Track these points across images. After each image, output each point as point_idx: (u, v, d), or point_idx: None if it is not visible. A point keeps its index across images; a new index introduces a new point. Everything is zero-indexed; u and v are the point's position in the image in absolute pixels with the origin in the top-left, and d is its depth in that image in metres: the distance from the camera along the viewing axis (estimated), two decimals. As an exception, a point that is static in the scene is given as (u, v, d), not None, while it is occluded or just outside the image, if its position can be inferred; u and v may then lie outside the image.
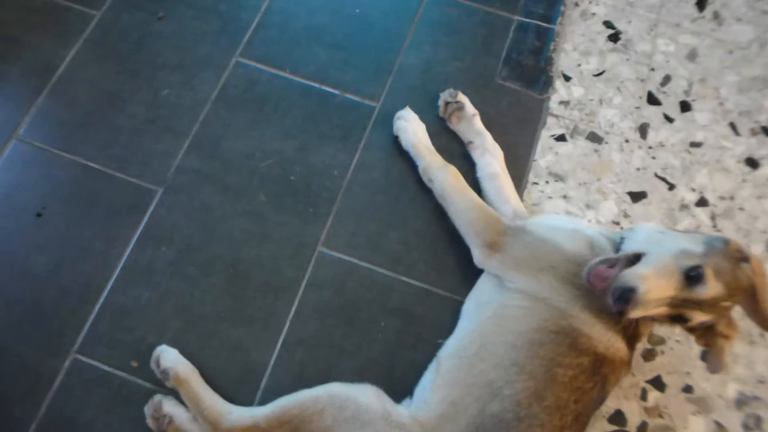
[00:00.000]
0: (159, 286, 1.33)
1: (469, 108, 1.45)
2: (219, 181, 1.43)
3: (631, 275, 0.98)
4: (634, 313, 0.97)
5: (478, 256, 1.22)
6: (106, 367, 1.27)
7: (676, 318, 1.00)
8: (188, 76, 1.53)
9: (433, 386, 1.11)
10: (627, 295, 0.96)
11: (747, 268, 0.99)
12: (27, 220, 1.39)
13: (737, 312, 1.06)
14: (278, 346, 1.29)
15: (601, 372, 1.06)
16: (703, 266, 0.97)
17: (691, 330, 1.07)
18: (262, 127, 1.48)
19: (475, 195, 1.30)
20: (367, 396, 1.09)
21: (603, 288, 1.00)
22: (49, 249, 1.36)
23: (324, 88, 1.53)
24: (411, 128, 1.42)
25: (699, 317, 0.98)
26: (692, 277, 0.97)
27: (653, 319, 1.08)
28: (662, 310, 0.99)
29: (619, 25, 1.64)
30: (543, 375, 1.04)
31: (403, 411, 1.08)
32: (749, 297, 0.99)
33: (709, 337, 1.05)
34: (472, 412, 1.03)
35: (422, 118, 1.46)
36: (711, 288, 0.97)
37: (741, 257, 1.00)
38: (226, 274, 1.34)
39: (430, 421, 1.05)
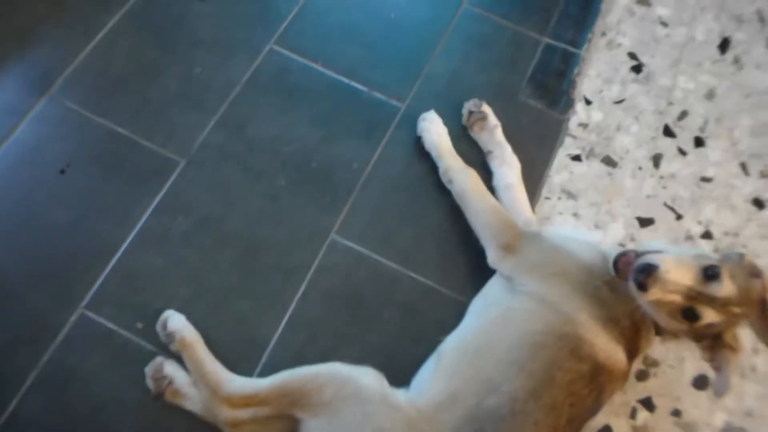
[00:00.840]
0: (172, 254, 1.36)
1: (492, 119, 1.49)
2: (241, 161, 1.46)
3: (655, 256, 1.02)
4: (653, 290, 0.99)
5: (493, 257, 1.25)
6: (111, 325, 1.29)
7: (688, 312, 1.01)
8: (222, 57, 1.58)
9: (433, 377, 1.13)
10: (649, 270, 0.99)
11: (758, 282, 1.02)
12: (50, 175, 1.42)
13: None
14: (282, 324, 1.31)
15: (598, 380, 1.09)
16: (720, 266, 1.00)
17: (698, 339, 1.09)
18: (288, 114, 1.52)
19: (493, 198, 1.33)
20: (368, 377, 1.11)
21: (627, 272, 1.04)
22: (68, 205, 1.39)
23: (352, 84, 1.58)
24: (435, 130, 1.46)
25: (710, 316, 1.00)
26: (709, 274, 1.00)
27: (658, 330, 1.10)
28: (676, 298, 1.00)
29: (643, 58, 1.70)
30: (542, 376, 1.06)
31: (400, 395, 1.11)
32: (759, 311, 1.01)
33: (715, 349, 1.07)
34: (468, 404, 1.05)
35: (445, 124, 1.50)
36: (726, 287, 0.99)
37: (754, 272, 1.03)
38: (239, 250, 1.37)
39: (427, 408, 1.07)
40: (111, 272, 1.33)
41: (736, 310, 1.01)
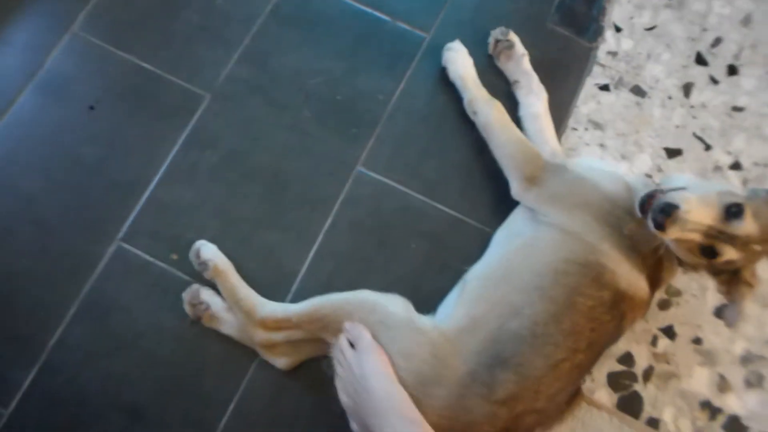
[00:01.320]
0: (201, 187, 1.39)
1: (519, 47, 1.46)
2: (266, 94, 1.46)
3: (677, 195, 1.02)
4: (672, 230, 0.99)
5: (516, 188, 1.26)
6: (147, 257, 1.33)
7: (707, 250, 1.02)
8: (244, -13, 1.55)
9: (457, 303, 1.17)
10: (669, 210, 0.99)
11: None
12: (80, 111, 1.43)
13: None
14: (311, 255, 1.35)
15: (620, 307, 1.11)
16: (744, 205, 1.00)
17: (716, 273, 1.10)
18: (312, 46, 1.51)
19: (517, 130, 1.32)
20: (395, 304, 1.14)
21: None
22: (99, 141, 1.41)
23: (377, 14, 1.54)
24: (460, 60, 1.43)
25: (729, 253, 1.01)
26: (732, 212, 0.99)
27: (680, 262, 1.11)
28: (696, 236, 1.00)
29: (677, -18, 1.63)
30: (564, 301, 1.08)
31: (426, 319, 1.14)
32: None
33: (732, 283, 1.08)
34: (491, 327, 1.09)
35: (471, 54, 1.47)
36: (748, 225, 0.99)
37: None
38: (266, 183, 1.39)
39: (451, 331, 1.11)
40: (144, 206, 1.37)
41: (757, 247, 1.01)
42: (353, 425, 1.09)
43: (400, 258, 1.35)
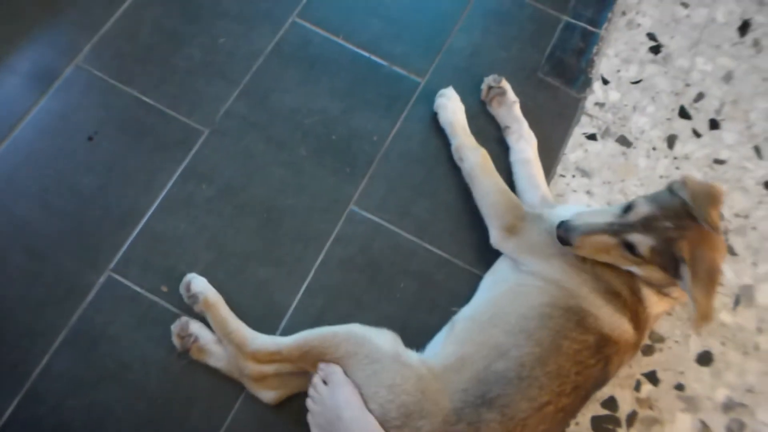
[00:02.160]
0: (196, 219, 1.40)
1: (511, 95, 1.51)
2: (264, 130, 1.49)
3: (573, 215, 1.16)
4: (574, 239, 1.13)
5: (496, 238, 1.30)
6: (137, 288, 1.34)
7: (626, 246, 1.09)
8: (246, 28, 1.60)
9: (446, 342, 1.19)
10: (563, 224, 1.15)
11: (680, 187, 1.09)
12: (79, 141, 1.46)
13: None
14: (301, 290, 1.36)
15: (604, 351, 1.13)
16: (635, 200, 1.12)
17: (671, 270, 1.09)
18: (310, 86, 1.55)
19: (500, 179, 1.36)
20: (383, 338, 1.17)
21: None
22: (96, 171, 1.43)
23: (374, 58, 1.60)
24: (451, 107, 1.48)
25: (640, 239, 1.07)
26: (626, 208, 1.12)
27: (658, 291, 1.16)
28: (606, 239, 1.11)
29: (662, 39, 1.70)
30: (549, 344, 1.10)
31: (413, 354, 1.17)
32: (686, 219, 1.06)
33: (677, 269, 1.09)
34: (478, 367, 1.10)
35: (464, 99, 1.53)
36: (639, 210, 1.09)
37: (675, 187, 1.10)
38: (260, 218, 1.41)
39: (438, 368, 1.12)
40: (137, 237, 1.38)
41: (666, 224, 1.06)
42: None
43: (389, 296, 1.37)
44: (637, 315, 1.15)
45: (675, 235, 1.06)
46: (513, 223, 1.28)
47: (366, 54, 1.60)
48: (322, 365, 1.15)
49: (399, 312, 1.35)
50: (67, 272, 1.34)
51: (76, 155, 1.44)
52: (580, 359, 1.11)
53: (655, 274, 1.12)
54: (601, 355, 1.13)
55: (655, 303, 1.17)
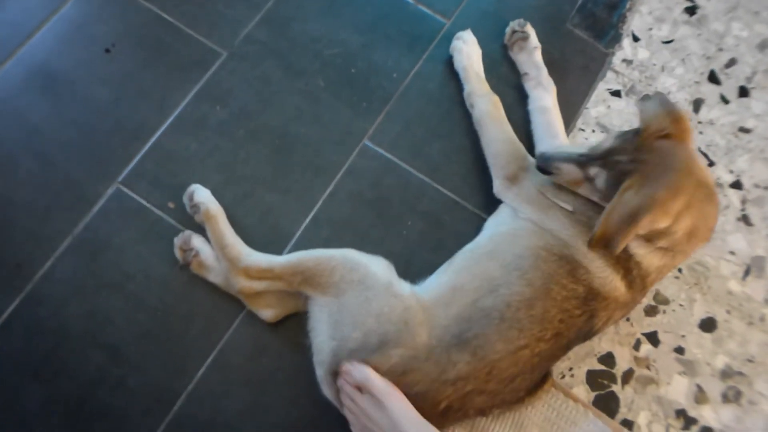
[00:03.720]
0: (207, 140, 1.39)
1: (533, 40, 1.47)
2: (282, 58, 1.47)
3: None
4: (552, 168, 1.14)
5: (498, 186, 1.28)
6: (144, 202, 1.34)
7: (589, 179, 1.11)
8: (272, -47, 1.56)
9: (441, 273, 1.19)
10: (543, 155, 1.17)
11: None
12: (95, 53, 1.44)
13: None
14: (307, 219, 1.35)
15: (591, 305, 1.11)
16: (610, 133, 1.12)
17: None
18: (333, 17, 1.52)
19: (509, 128, 1.34)
20: (377, 266, 1.16)
21: None
22: (111, 84, 1.42)
23: (400, -6, 1.56)
24: (466, 51, 1.45)
25: (597, 173, 1.08)
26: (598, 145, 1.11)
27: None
28: (574, 169, 1.11)
29: (699, 1, 1.65)
30: (539, 286, 1.09)
31: (405, 285, 1.16)
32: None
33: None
34: (465, 301, 1.10)
35: (486, 45, 1.49)
36: (606, 142, 1.09)
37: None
38: (272, 144, 1.40)
39: (427, 300, 1.12)
40: (148, 152, 1.37)
41: (621, 157, 1.05)
42: None
43: (395, 232, 1.36)
44: (629, 272, 1.12)
45: (628, 168, 1.03)
46: (515, 173, 1.26)
47: (392, -11, 1.56)
48: (347, 367, 1.07)
49: (404, 249, 1.34)
50: (76, 181, 1.34)
51: (93, 66, 1.43)
52: (567, 307, 1.10)
53: (596, 194, 1.12)
54: (588, 308, 1.11)
55: (645, 255, 1.12)
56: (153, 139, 1.38)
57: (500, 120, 1.35)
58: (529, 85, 1.45)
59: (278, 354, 1.26)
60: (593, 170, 1.08)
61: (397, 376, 1.05)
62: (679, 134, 1.04)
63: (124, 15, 1.48)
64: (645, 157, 1.02)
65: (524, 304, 1.09)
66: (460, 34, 1.48)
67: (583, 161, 1.10)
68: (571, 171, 1.12)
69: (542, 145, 1.37)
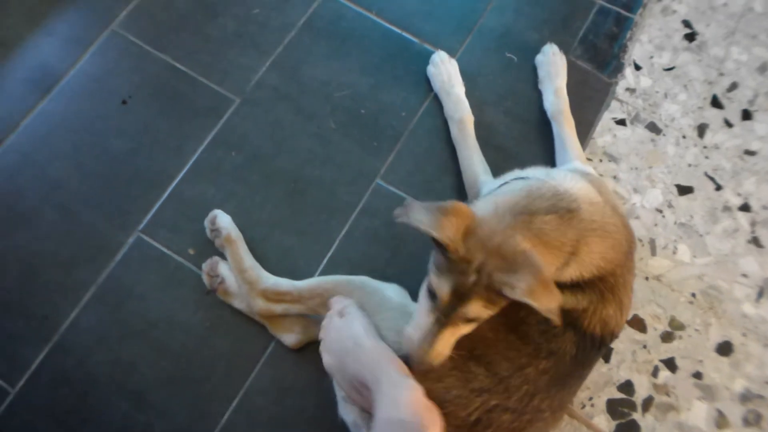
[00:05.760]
0: (224, 186, 1.43)
1: None
2: (293, 102, 1.51)
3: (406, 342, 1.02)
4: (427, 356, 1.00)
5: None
6: (165, 250, 1.37)
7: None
8: (280, 0, 1.61)
9: None
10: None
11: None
12: (113, 105, 1.49)
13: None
14: (325, 260, 1.38)
15: (566, 318, 1.07)
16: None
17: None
18: (341, 60, 1.56)
19: (471, 152, 1.41)
20: (393, 291, 1.20)
21: None
22: (129, 134, 1.46)
23: (405, 34, 1.60)
24: (437, 73, 1.52)
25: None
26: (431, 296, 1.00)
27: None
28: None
29: (697, 27, 1.68)
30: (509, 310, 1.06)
31: None
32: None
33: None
34: None
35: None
36: (442, 289, 0.97)
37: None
38: (287, 187, 1.43)
39: None
40: (167, 200, 1.41)
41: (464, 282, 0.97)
42: (340, 387, 1.11)
43: (411, 270, 1.37)
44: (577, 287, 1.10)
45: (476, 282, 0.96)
46: (474, 196, 1.34)
47: (397, 30, 1.60)
48: (335, 299, 1.16)
49: (419, 286, 1.36)
50: (98, 231, 1.37)
51: (110, 118, 1.47)
52: (545, 328, 1.08)
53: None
54: (566, 319, 1.06)
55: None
56: (171, 187, 1.42)
57: (465, 143, 1.43)
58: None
59: (302, 394, 1.28)
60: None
61: (434, 383, 1.06)
62: (466, 217, 0.97)
63: (139, 67, 1.52)
64: (481, 263, 0.94)
65: (509, 326, 1.09)
66: (432, 57, 1.54)
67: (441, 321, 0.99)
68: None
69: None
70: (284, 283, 1.26)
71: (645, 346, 1.37)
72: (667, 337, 1.39)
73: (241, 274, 1.28)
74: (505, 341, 1.09)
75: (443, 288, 0.96)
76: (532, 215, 0.99)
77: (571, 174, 1.16)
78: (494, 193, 1.13)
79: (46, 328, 1.30)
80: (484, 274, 0.93)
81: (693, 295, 1.42)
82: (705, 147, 1.55)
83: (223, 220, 1.34)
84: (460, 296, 0.96)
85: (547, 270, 0.95)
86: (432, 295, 1.00)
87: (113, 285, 1.34)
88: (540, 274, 0.93)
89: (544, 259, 0.96)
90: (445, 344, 1.00)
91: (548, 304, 0.92)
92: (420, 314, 1.02)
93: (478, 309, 0.97)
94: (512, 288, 0.91)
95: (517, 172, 1.24)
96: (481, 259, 0.93)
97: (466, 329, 1.01)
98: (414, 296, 1.23)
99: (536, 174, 1.18)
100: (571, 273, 1.06)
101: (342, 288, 1.20)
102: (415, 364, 1.00)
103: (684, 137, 1.56)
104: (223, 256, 1.33)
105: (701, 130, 1.57)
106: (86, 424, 1.24)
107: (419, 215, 0.95)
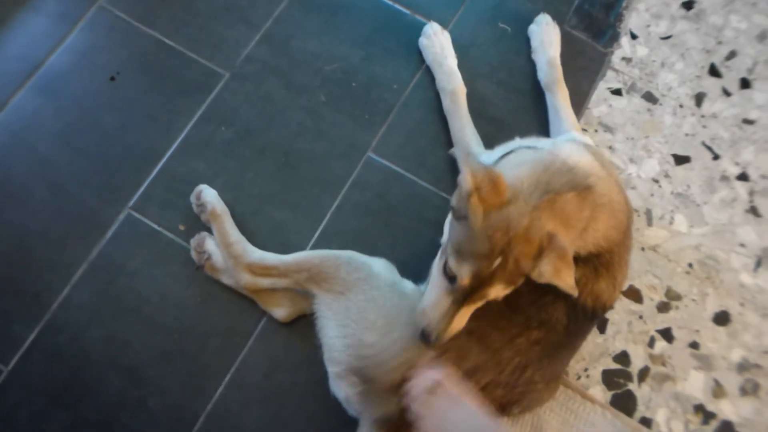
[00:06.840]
0: (214, 161, 1.41)
1: None
2: (284, 76, 1.49)
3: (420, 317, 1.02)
4: (435, 336, 1.00)
5: None
6: (155, 226, 1.36)
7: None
8: (269, -28, 1.58)
9: None
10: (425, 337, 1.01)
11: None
12: (101, 81, 1.47)
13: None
14: (317, 234, 1.37)
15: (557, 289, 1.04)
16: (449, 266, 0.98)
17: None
18: (332, 33, 1.54)
19: (463, 122, 1.39)
20: (381, 266, 1.19)
21: None
22: (118, 110, 1.44)
23: (396, 6, 1.58)
24: (429, 45, 1.49)
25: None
26: (451, 279, 0.99)
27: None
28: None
29: (695, -6, 1.65)
30: None
31: (408, 284, 1.18)
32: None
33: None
34: None
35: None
36: (463, 271, 0.96)
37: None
38: (278, 162, 1.42)
39: None
40: (157, 176, 1.39)
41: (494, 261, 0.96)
42: None
43: (403, 242, 1.37)
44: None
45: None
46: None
47: (388, 2, 1.58)
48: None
49: (412, 258, 1.34)
50: (89, 208, 1.36)
51: (99, 94, 1.45)
52: (535, 297, 1.07)
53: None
54: (556, 292, 1.03)
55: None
56: (161, 163, 1.40)
57: (457, 115, 1.41)
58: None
59: (294, 368, 1.27)
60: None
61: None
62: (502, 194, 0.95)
63: (127, 42, 1.50)
64: (506, 245, 0.93)
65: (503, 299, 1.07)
66: (424, 29, 1.52)
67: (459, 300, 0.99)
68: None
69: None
70: (270, 257, 1.25)
71: (641, 317, 1.36)
72: (663, 308, 1.37)
73: (226, 248, 1.27)
74: (496, 311, 1.08)
75: (464, 272, 0.95)
76: (557, 194, 0.97)
77: (575, 145, 1.14)
78: (507, 163, 1.08)
79: (39, 305, 1.29)
80: (511, 259, 0.93)
81: (690, 265, 1.40)
82: (703, 116, 1.53)
83: (208, 194, 1.33)
84: (481, 280, 0.95)
85: (570, 250, 0.95)
86: (450, 278, 0.98)
87: (105, 262, 1.33)
88: (566, 256, 0.93)
89: (566, 239, 0.96)
90: (461, 321, 1.01)
91: (570, 281, 0.93)
92: (435, 293, 1.02)
93: (499, 290, 0.98)
94: (540, 273, 0.93)
95: (519, 141, 1.22)
96: (505, 242, 0.92)
97: (480, 303, 1.02)
98: (403, 270, 1.23)
99: (541, 144, 1.16)
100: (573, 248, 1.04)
101: (330, 263, 1.18)
102: (427, 341, 1.01)
103: (681, 106, 1.53)
104: (211, 232, 1.32)
105: (699, 99, 1.54)
106: (81, 401, 1.24)
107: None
